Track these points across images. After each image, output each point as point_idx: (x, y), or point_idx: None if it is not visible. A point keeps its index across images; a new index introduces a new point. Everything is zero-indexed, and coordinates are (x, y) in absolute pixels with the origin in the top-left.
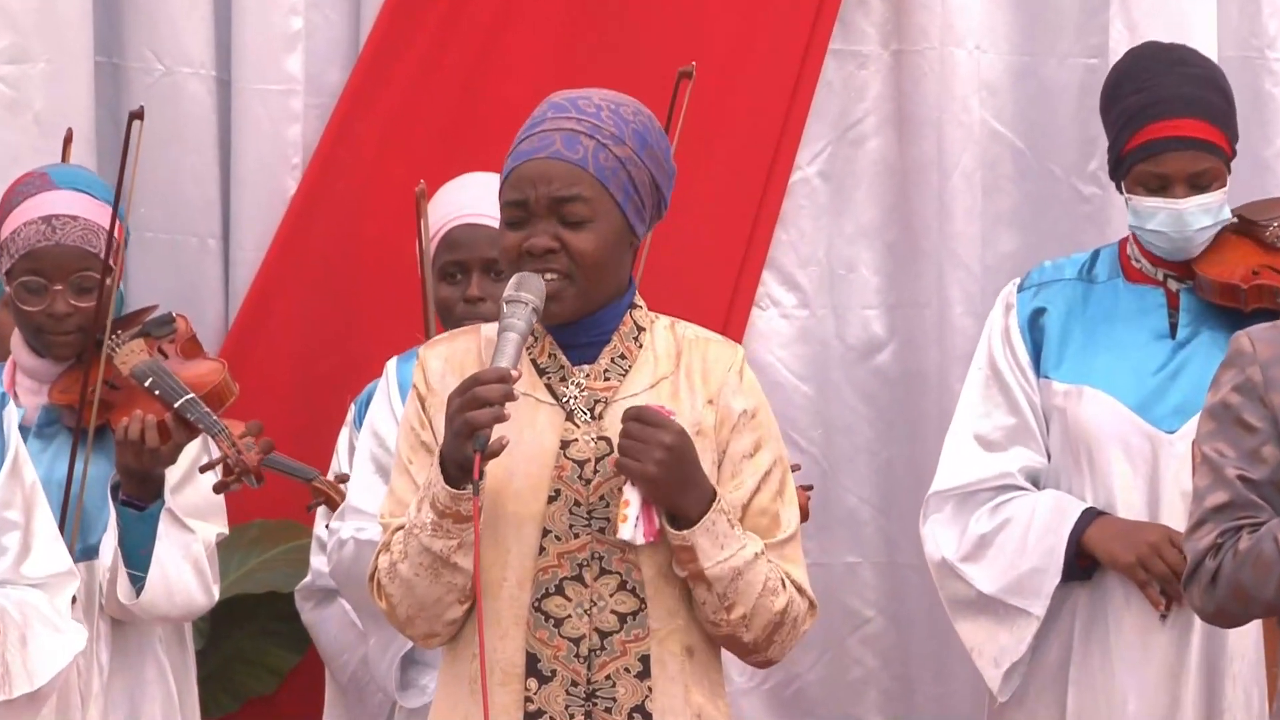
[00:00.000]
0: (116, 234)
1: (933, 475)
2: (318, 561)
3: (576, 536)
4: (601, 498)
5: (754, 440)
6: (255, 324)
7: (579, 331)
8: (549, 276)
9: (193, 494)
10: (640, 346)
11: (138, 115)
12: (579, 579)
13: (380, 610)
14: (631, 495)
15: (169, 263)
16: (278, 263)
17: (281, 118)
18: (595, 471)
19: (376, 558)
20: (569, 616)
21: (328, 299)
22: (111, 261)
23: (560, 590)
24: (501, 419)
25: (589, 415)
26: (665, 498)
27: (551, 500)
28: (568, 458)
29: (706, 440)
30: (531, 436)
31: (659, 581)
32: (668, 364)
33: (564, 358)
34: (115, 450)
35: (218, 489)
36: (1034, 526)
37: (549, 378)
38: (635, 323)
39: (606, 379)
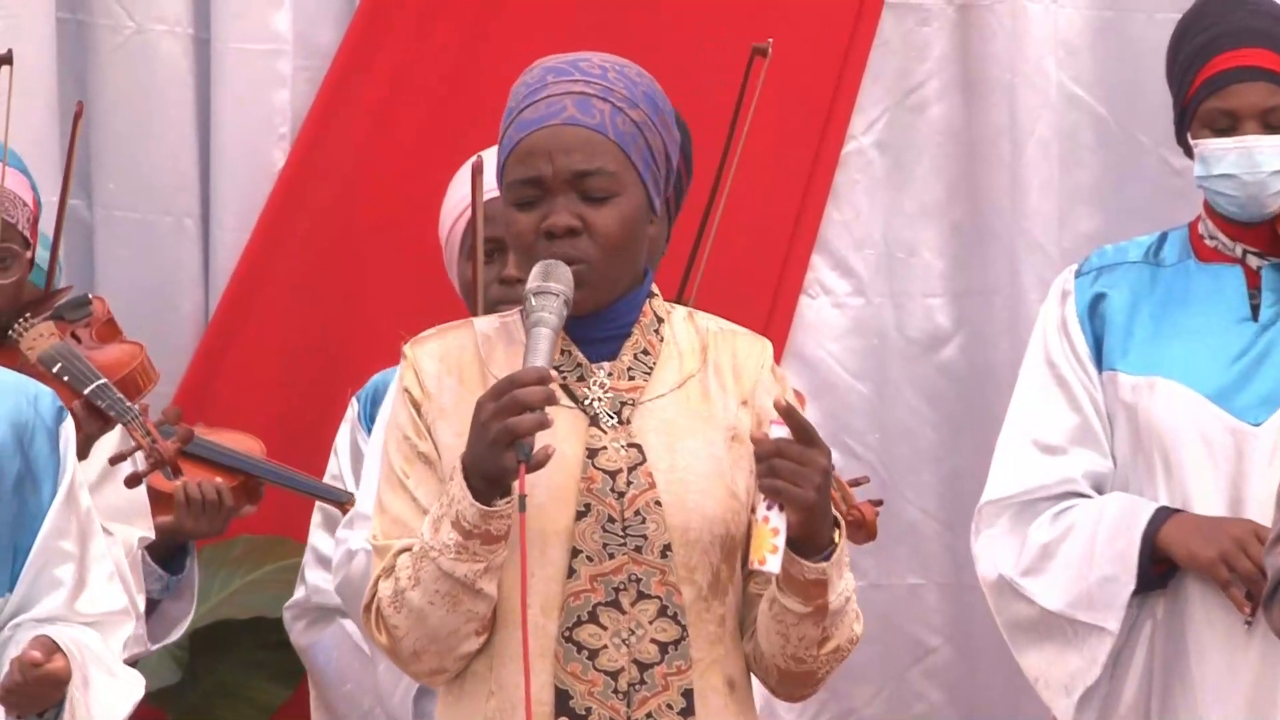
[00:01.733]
0: (33, 207)
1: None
2: (314, 576)
3: (611, 556)
4: (637, 512)
5: None
6: (239, 315)
7: (597, 324)
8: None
9: (111, 493)
10: (662, 340)
11: (5, 60)
12: (615, 604)
13: (378, 644)
14: (779, 522)
15: (139, 246)
16: (263, 245)
17: (267, 81)
18: (629, 483)
19: (375, 585)
20: (604, 647)
21: (321, 286)
22: (29, 238)
23: (594, 618)
24: (545, 425)
25: (615, 419)
26: (810, 525)
27: (581, 516)
28: (597, 468)
29: (742, 447)
30: (552, 444)
31: (699, 606)
32: (693, 360)
33: (580, 354)
34: None
35: (130, 482)
36: (1102, 530)
37: (565, 377)
38: (655, 313)
39: (630, 378)
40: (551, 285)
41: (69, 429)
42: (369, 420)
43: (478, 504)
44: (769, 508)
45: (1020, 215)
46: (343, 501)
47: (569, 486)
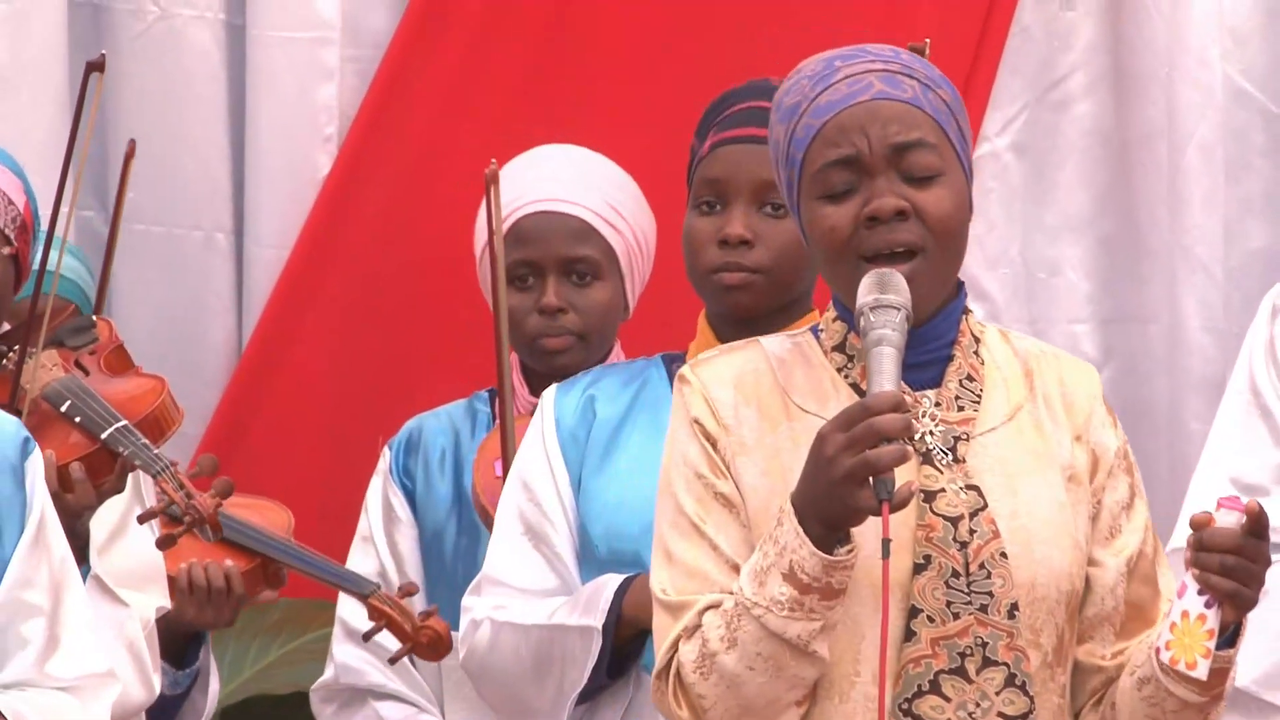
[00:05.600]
0: (23, 210)
1: (1164, 534)
2: (343, 652)
3: (956, 617)
4: (982, 565)
5: (1129, 486)
6: (276, 344)
7: (917, 344)
8: (899, 250)
9: (126, 555)
10: (983, 363)
11: (97, 66)
12: (960, 672)
13: (673, 717)
14: (1215, 622)
15: (165, 264)
16: (306, 264)
17: (311, 74)
18: (971, 532)
19: (673, 646)
20: None
21: (372, 311)
22: (13, 238)
23: (936, 687)
24: (908, 457)
25: (950, 456)
26: (1239, 617)
27: (920, 570)
28: (936, 514)
29: (1080, 489)
30: (914, 480)
31: (1044, 674)
32: (1020, 388)
33: (902, 381)
34: None
35: (162, 544)
36: None
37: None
38: (971, 332)
39: (959, 408)
40: (890, 298)
41: (36, 463)
42: (403, 473)
43: (820, 553)
44: (1207, 605)
45: (1180, 230)
46: (366, 594)
47: (905, 535)
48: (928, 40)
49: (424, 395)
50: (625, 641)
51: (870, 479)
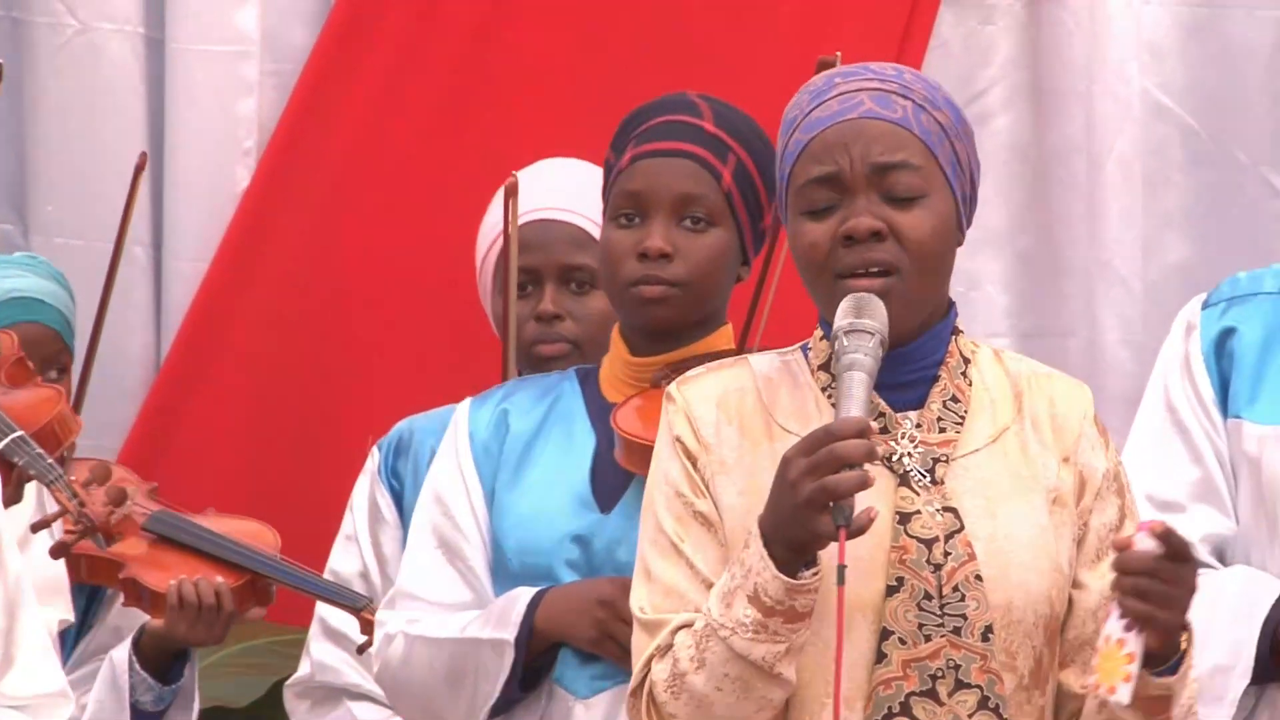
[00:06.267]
0: None
1: None
2: (320, 650)
3: (928, 639)
4: (956, 588)
5: (1118, 508)
6: (195, 357)
7: (901, 364)
8: (873, 270)
9: (29, 569)
10: (970, 385)
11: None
12: (931, 694)
13: None
14: (1136, 647)
15: (82, 277)
16: (224, 278)
17: (231, 88)
18: (946, 554)
19: (646, 665)
20: None
21: (294, 325)
22: None
23: (907, 710)
24: (868, 484)
25: (929, 478)
26: (1168, 646)
27: (892, 591)
28: (910, 536)
29: (1065, 511)
30: (875, 506)
31: (1020, 697)
32: (1008, 409)
33: (883, 401)
34: None
35: (56, 552)
36: (1218, 614)
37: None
38: (960, 352)
39: (941, 429)
40: (865, 322)
41: None
42: (391, 474)
43: (783, 576)
44: (1126, 629)
45: (1098, 245)
46: (359, 607)
47: (878, 557)
48: (839, 53)
49: (343, 407)
50: (538, 655)
51: (831, 504)
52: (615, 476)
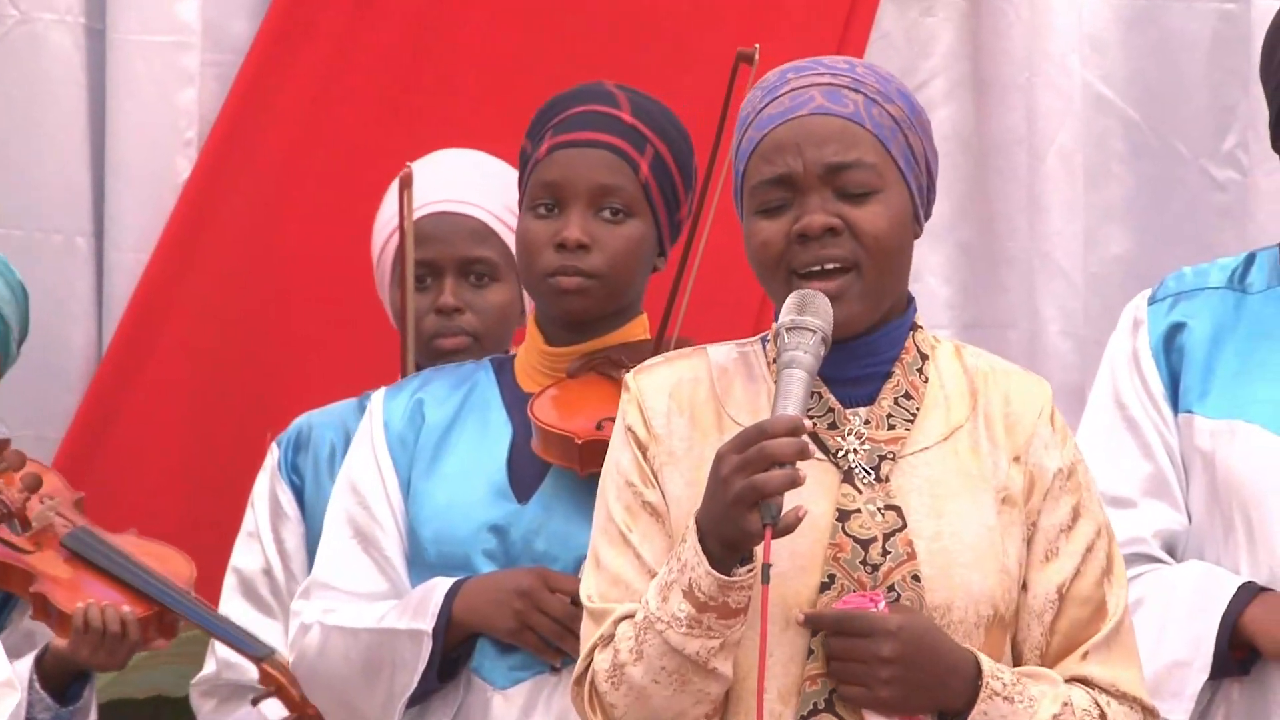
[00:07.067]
0: None
1: None
2: (226, 650)
3: None
4: (892, 588)
5: (1071, 507)
6: (137, 348)
7: (852, 360)
8: (830, 266)
9: None
10: (926, 381)
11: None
12: None
13: None
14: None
15: (25, 268)
16: (166, 268)
17: (171, 79)
18: (884, 553)
19: (589, 655)
20: None
21: (234, 316)
22: None
23: (831, 706)
24: (798, 483)
25: (873, 476)
26: (919, 709)
27: (825, 588)
28: (847, 534)
29: (1014, 511)
30: (804, 505)
31: None
32: (962, 407)
33: (832, 397)
34: None
35: None
36: (1174, 607)
37: (816, 424)
38: (918, 349)
39: (890, 426)
40: (808, 320)
41: None
42: (290, 469)
43: (715, 572)
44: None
45: (1040, 236)
46: (260, 657)
47: (814, 554)
48: (757, 46)
49: (284, 398)
50: (455, 645)
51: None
52: (532, 466)
